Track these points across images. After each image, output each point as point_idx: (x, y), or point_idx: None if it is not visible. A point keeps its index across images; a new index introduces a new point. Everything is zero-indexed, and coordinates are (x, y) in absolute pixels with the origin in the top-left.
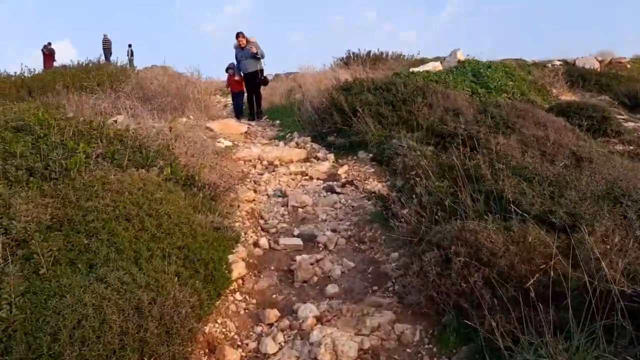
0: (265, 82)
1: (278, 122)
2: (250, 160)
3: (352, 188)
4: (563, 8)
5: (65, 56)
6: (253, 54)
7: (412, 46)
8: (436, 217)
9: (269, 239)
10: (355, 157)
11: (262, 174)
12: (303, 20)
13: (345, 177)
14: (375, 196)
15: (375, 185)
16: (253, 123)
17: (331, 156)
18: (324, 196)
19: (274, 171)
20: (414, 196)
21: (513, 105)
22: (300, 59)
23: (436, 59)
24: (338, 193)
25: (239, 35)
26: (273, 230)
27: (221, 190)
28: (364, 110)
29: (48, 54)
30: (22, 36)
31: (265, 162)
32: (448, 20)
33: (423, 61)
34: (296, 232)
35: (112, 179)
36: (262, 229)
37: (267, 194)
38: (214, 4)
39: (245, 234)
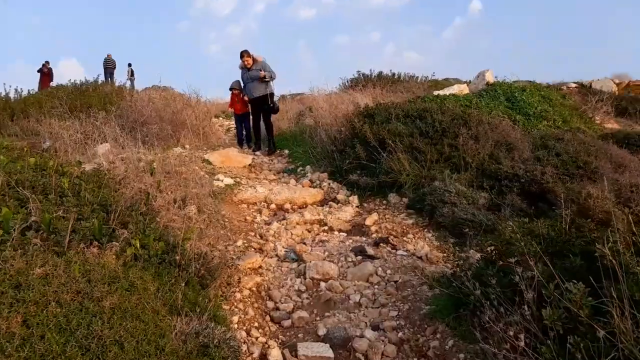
0: (275, 109)
1: (287, 151)
2: (256, 204)
3: (389, 248)
4: (569, 30)
5: (71, 75)
6: (260, 76)
7: (416, 66)
8: (571, 345)
9: (283, 346)
10: (385, 202)
11: (269, 224)
12: (308, 40)
13: (377, 231)
14: (440, 281)
15: (421, 246)
16: (258, 153)
17: (354, 199)
18: (353, 262)
19: (284, 219)
20: (517, 297)
21: (580, 140)
22: (306, 79)
23: (452, 80)
24: (371, 257)
25: (243, 54)
26: (287, 322)
27: (215, 264)
28: (394, 143)
29: (46, 73)
30: (30, 54)
31: (273, 206)
32: (451, 40)
33: (443, 83)
34: (321, 329)
35: (33, 278)
36: (272, 319)
37: (277, 255)
38: (218, 24)
39: (247, 339)
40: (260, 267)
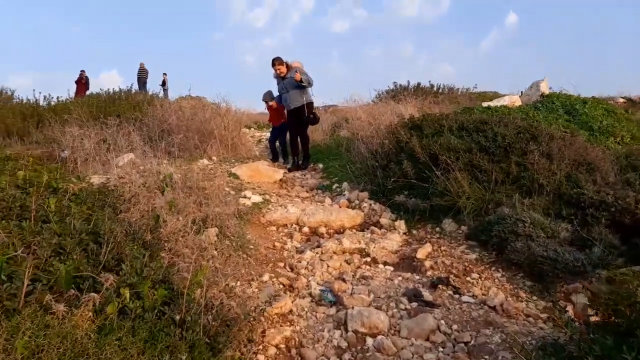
0: (315, 119)
1: (321, 165)
2: (286, 226)
3: (450, 292)
4: (605, 43)
5: (111, 85)
6: (297, 82)
7: (451, 78)
8: None
9: None
10: (438, 229)
11: (302, 252)
12: (341, 52)
13: (432, 267)
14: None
15: (494, 292)
16: (296, 174)
17: (401, 225)
18: (407, 310)
19: (318, 246)
20: None
21: None
22: (338, 91)
23: (490, 93)
24: (430, 304)
25: (275, 62)
26: None
27: (232, 317)
28: (450, 159)
29: (83, 82)
30: (71, 65)
31: (306, 229)
32: (487, 50)
33: (488, 95)
34: None
35: None
36: None
37: (311, 294)
38: (254, 35)
39: None
40: (290, 312)
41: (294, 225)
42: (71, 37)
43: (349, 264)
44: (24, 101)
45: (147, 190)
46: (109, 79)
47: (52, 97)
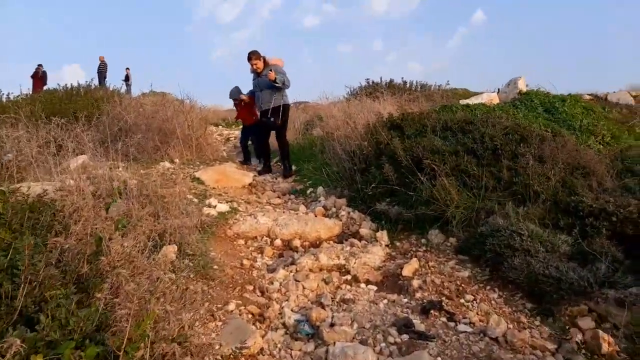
0: (277, 125)
1: (294, 167)
2: (256, 238)
3: (444, 319)
4: (571, 41)
5: (73, 79)
6: (270, 82)
7: (420, 75)
8: None
9: None
10: (424, 240)
11: (273, 270)
12: (312, 49)
13: (420, 287)
14: None
15: (495, 321)
16: (266, 177)
17: (383, 236)
18: (397, 345)
19: (293, 263)
20: None
21: None
22: (309, 87)
23: (466, 91)
24: (424, 337)
25: (251, 56)
26: None
27: None
28: (434, 163)
29: (39, 77)
30: (33, 59)
31: (278, 242)
32: (456, 48)
33: (463, 93)
34: None
35: None
36: None
37: (285, 324)
38: (223, 29)
39: None
40: (260, 351)
41: (265, 238)
42: (36, 27)
43: (327, 283)
44: None
45: (94, 201)
46: (72, 73)
47: (2, 93)
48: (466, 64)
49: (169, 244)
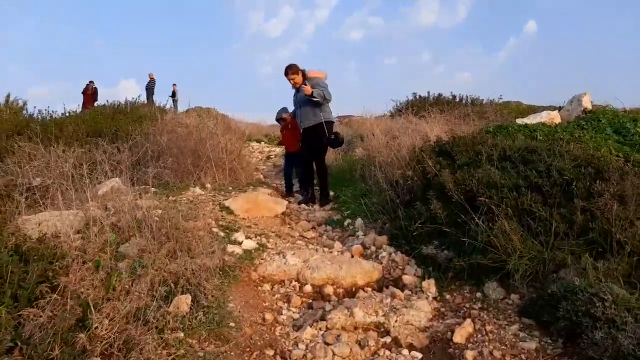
0: (336, 141)
1: (331, 193)
2: (283, 283)
3: None
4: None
5: (128, 95)
6: (307, 96)
7: (469, 87)
8: None
9: None
10: (479, 294)
11: (299, 328)
12: (357, 62)
13: (474, 359)
14: None
15: None
16: (308, 206)
17: (431, 285)
18: None
19: (322, 318)
20: None
21: None
22: (353, 101)
23: (519, 103)
24: None
25: (288, 71)
26: None
27: None
28: (491, 200)
29: (90, 93)
30: (92, 76)
31: (308, 288)
32: (506, 59)
33: (513, 106)
34: None
35: None
36: None
37: None
38: (269, 46)
39: None
40: None
41: (294, 283)
42: (94, 50)
43: (362, 347)
44: (20, 115)
45: (103, 243)
46: (127, 88)
47: (52, 111)
48: (518, 76)
49: (183, 293)
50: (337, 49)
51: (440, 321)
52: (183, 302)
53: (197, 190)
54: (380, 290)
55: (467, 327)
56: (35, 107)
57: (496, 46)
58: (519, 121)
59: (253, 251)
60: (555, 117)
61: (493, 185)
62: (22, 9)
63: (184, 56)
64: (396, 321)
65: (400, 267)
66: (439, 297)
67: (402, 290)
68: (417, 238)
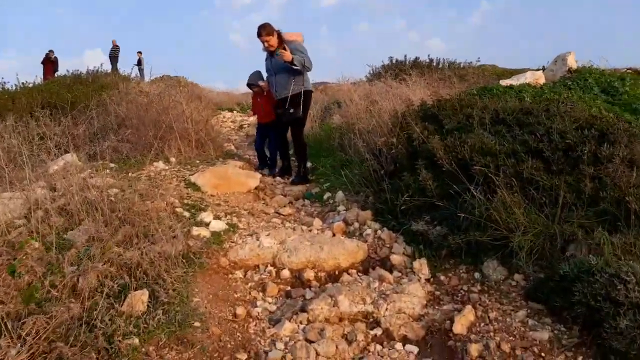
0: (298, 118)
1: (309, 164)
2: (257, 268)
3: None
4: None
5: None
6: (287, 63)
7: (442, 53)
8: None
9: None
10: (478, 275)
11: (277, 322)
12: (329, 27)
13: (481, 354)
14: None
15: None
16: (281, 179)
17: (423, 265)
18: None
19: (303, 309)
20: None
21: None
22: (327, 67)
23: (495, 67)
24: None
25: (261, 31)
26: None
27: None
28: (488, 169)
29: (51, 62)
30: (56, 44)
31: (286, 274)
32: (477, 25)
33: (497, 70)
34: None
35: None
36: None
37: None
38: (240, 14)
39: None
40: None
41: (269, 268)
42: (55, 19)
43: (349, 343)
44: None
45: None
46: (93, 57)
47: (4, 82)
48: (491, 41)
49: (138, 288)
50: (310, 17)
51: (437, 307)
52: (138, 299)
53: (160, 164)
54: (366, 272)
55: (468, 314)
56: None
57: (469, 11)
58: (503, 82)
59: (222, 233)
60: (539, 78)
61: (488, 152)
62: None
63: (151, 24)
64: (387, 309)
65: (388, 246)
66: (432, 279)
67: (391, 272)
68: (405, 212)
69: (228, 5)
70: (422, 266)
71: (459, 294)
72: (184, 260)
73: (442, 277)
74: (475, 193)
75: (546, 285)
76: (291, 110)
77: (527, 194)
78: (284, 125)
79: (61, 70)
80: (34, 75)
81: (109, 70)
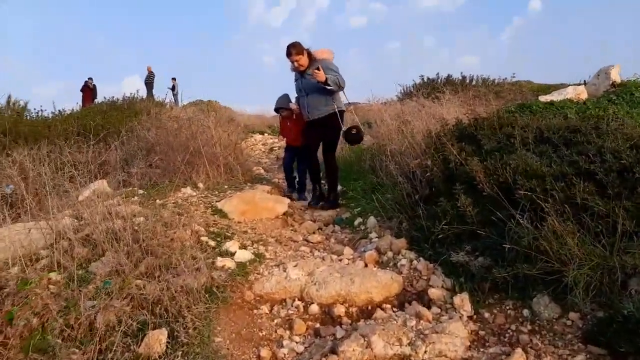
0: (355, 137)
1: (339, 187)
2: (283, 304)
3: None
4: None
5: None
6: (320, 83)
7: (476, 69)
8: None
9: None
10: (527, 312)
11: None
12: (360, 48)
13: None
14: None
15: None
16: (317, 209)
17: (464, 301)
18: None
19: (333, 352)
20: None
21: None
22: (358, 87)
23: (530, 82)
24: None
25: (291, 50)
26: None
27: None
28: (535, 193)
29: (89, 90)
30: (93, 72)
31: (314, 309)
32: (509, 41)
33: (535, 86)
34: None
35: None
36: None
37: None
38: (271, 37)
39: None
40: None
41: (297, 302)
42: (96, 46)
43: None
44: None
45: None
46: (131, 84)
47: (42, 109)
48: (525, 56)
49: (157, 327)
50: (339, 37)
51: (482, 350)
52: (156, 339)
53: (188, 190)
54: (401, 307)
55: (518, 355)
56: (34, 108)
57: (500, 27)
58: (542, 99)
59: (248, 264)
60: (581, 93)
61: (533, 175)
62: (17, 8)
63: (184, 49)
64: (425, 352)
65: (425, 278)
66: (475, 316)
67: (429, 308)
68: (443, 241)
69: (260, 28)
70: (463, 302)
71: (507, 335)
72: (206, 295)
73: (486, 314)
74: (521, 220)
75: (608, 327)
76: (328, 130)
77: (580, 222)
78: (315, 147)
79: (99, 98)
80: (74, 102)
81: (144, 97)
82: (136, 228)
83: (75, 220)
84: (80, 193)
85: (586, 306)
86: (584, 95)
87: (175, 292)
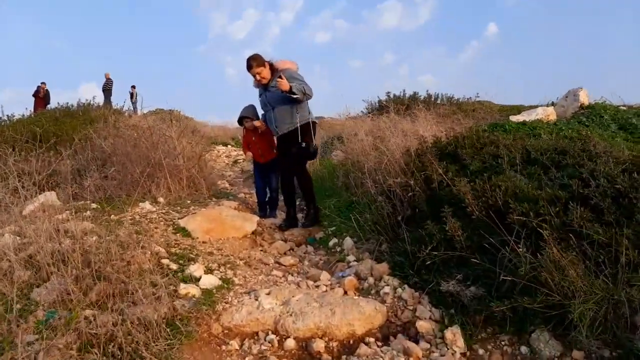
0: (308, 150)
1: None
2: (256, 337)
3: None
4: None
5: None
6: (285, 92)
7: (434, 88)
8: None
9: None
10: (525, 349)
11: None
12: (323, 64)
13: None
14: None
15: None
16: (291, 230)
17: (457, 336)
18: None
19: None
20: None
21: None
22: (322, 102)
23: (491, 103)
24: None
25: (252, 63)
26: None
27: None
28: (531, 220)
29: (41, 96)
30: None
31: (291, 343)
32: (466, 62)
33: (502, 107)
34: None
35: None
36: None
37: None
38: (235, 47)
39: None
40: None
41: (270, 336)
42: (53, 51)
43: None
44: None
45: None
46: (88, 91)
47: None
48: (481, 78)
49: None
50: (303, 52)
51: None
52: None
53: (147, 205)
54: (386, 340)
55: None
56: None
57: (458, 48)
58: (514, 118)
59: (215, 291)
60: (551, 114)
61: (525, 198)
62: None
63: (147, 58)
64: None
65: (410, 308)
66: (468, 353)
67: (417, 342)
68: (430, 267)
69: (223, 40)
70: (455, 337)
71: None
72: (167, 329)
73: (480, 351)
74: (517, 248)
75: None
76: (303, 144)
77: (579, 250)
78: (286, 163)
79: (53, 103)
80: (25, 108)
81: (101, 104)
82: (87, 249)
83: (17, 238)
84: (25, 207)
85: (591, 344)
86: (553, 117)
87: (132, 325)
